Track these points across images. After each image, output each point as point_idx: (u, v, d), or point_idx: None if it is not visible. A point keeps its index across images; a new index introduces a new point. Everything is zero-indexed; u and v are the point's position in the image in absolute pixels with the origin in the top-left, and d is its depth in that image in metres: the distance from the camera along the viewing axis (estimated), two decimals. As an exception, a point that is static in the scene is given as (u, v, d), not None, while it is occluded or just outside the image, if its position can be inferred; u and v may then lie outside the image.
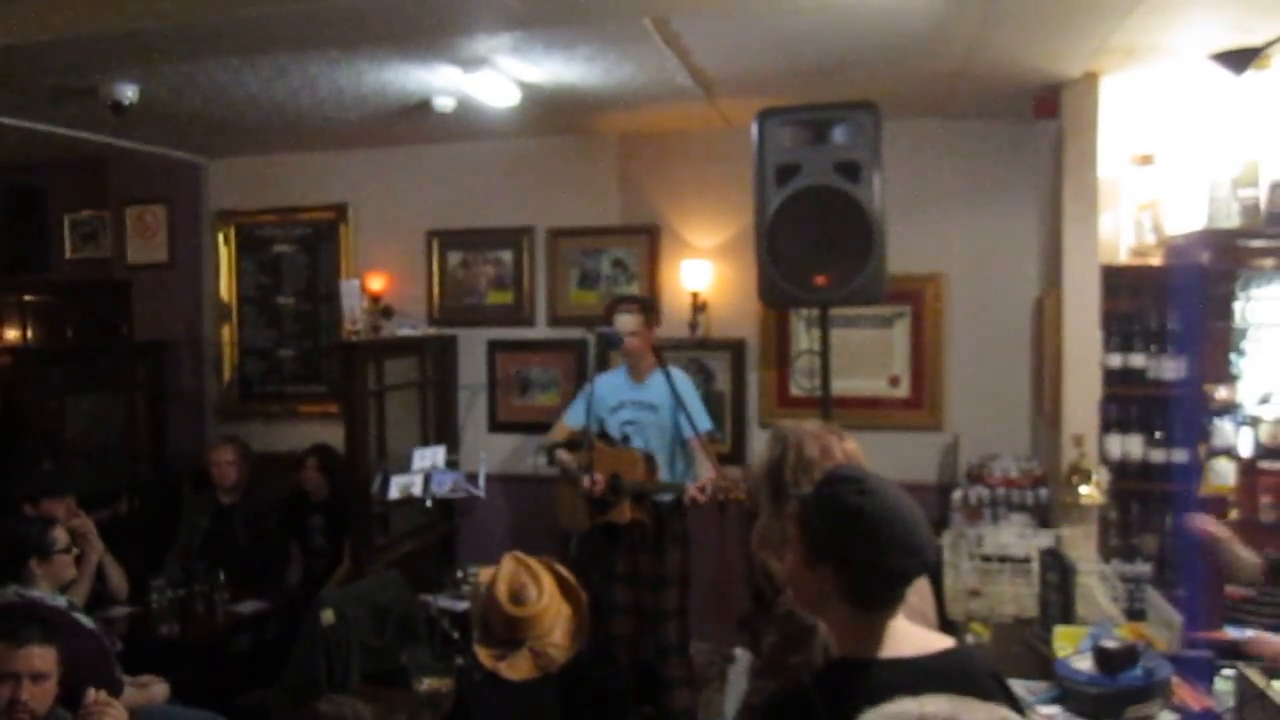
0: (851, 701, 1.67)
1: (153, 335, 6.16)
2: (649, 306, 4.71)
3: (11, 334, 6.49)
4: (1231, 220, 4.07)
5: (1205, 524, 3.72)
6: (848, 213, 3.80)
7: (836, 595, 1.81)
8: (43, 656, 2.79)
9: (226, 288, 6.15)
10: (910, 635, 1.84)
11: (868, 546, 1.78)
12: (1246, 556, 3.61)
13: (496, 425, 5.73)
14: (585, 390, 4.74)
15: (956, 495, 4.63)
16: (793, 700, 1.78)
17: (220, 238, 6.14)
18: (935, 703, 1.25)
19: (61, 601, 3.71)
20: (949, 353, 5.17)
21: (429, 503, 4.77)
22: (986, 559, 4.05)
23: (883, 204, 3.81)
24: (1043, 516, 4.48)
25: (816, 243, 3.86)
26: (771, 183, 3.84)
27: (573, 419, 4.75)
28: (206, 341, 6.21)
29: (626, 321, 4.56)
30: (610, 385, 4.70)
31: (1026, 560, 3.97)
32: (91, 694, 2.81)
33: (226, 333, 6.17)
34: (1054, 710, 2.57)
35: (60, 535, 3.76)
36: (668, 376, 4.54)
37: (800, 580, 1.87)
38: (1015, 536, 4.19)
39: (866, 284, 3.85)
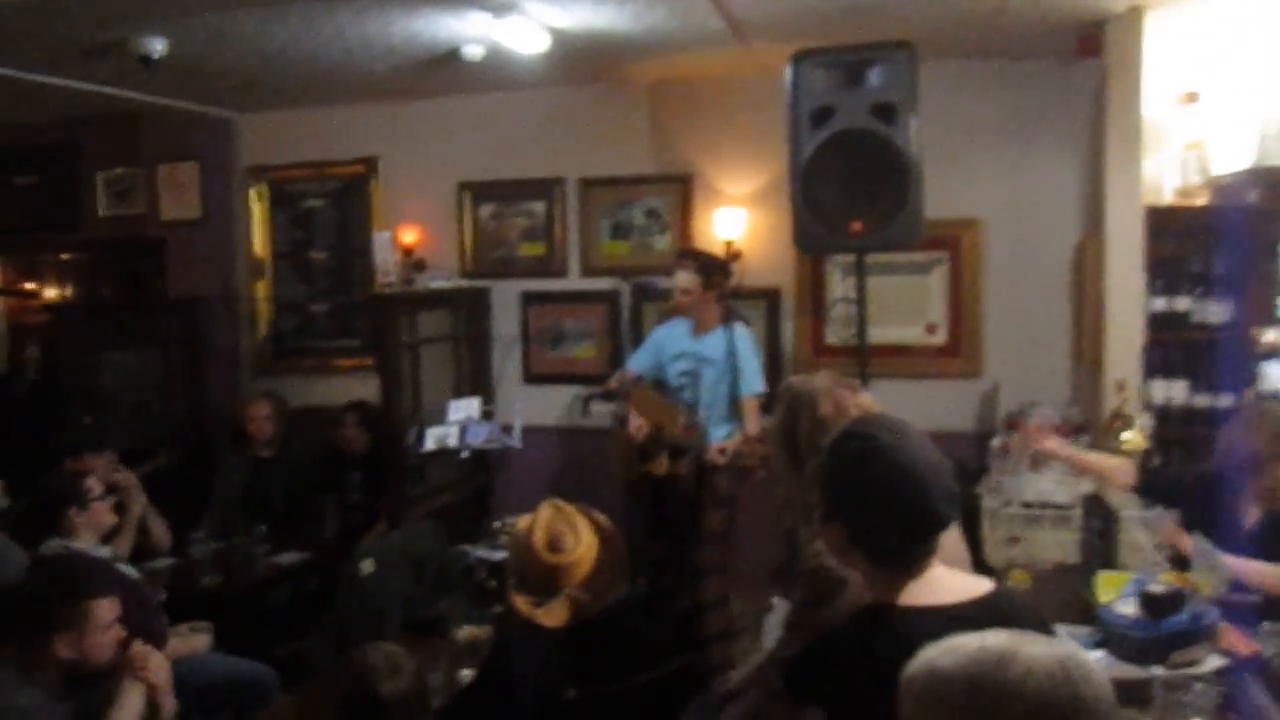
0: (884, 646, 1.66)
1: (187, 292, 6.19)
2: (710, 267, 4.54)
3: (49, 292, 6.57)
4: (1281, 159, 3.96)
5: (1044, 440, 3.54)
6: (884, 157, 3.73)
7: (854, 551, 1.79)
8: (110, 606, 2.83)
9: (259, 243, 6.16)
10: (949, 582, 1.81)
11: (874, 508, 1.76)
12: (1114, 464, 3.43)
13: (530, 377, 5.72)
14: (650, 338, 4.70)
15: (995, 443, 4.57)
16: (830, 643, 1.76)
17: (253, 193, 6.14)
18: (995, 636, 1.22)
19: (105, 552, 3.76)
20: (987, 299, 5.09)
21: (465, 454, 4.78)
22: (1026, 506, 4.01)
23: (919, 148, 3.74)
24: (1083, 464, 4.42)
25: (852, 188, 3.80)
26: (806, 127, 3.78)
27: (636, 364, 4.72)
28: (240, 297, 6.23)
29: (681, 278, 4.47)
30: (672, 334, 4.64)
31: (1067, 507, 3.93)
32: (135, 645, 2.85)
33: (260, 288, 6.18)
34: (1097, 655, 2.54)
35: (94, 484, 3.81)
36: (729, 332, 4.47)
37: (824, 534, 1.86)
38: (1055, 484, 4.14)
39: (903, 229, 3.79)
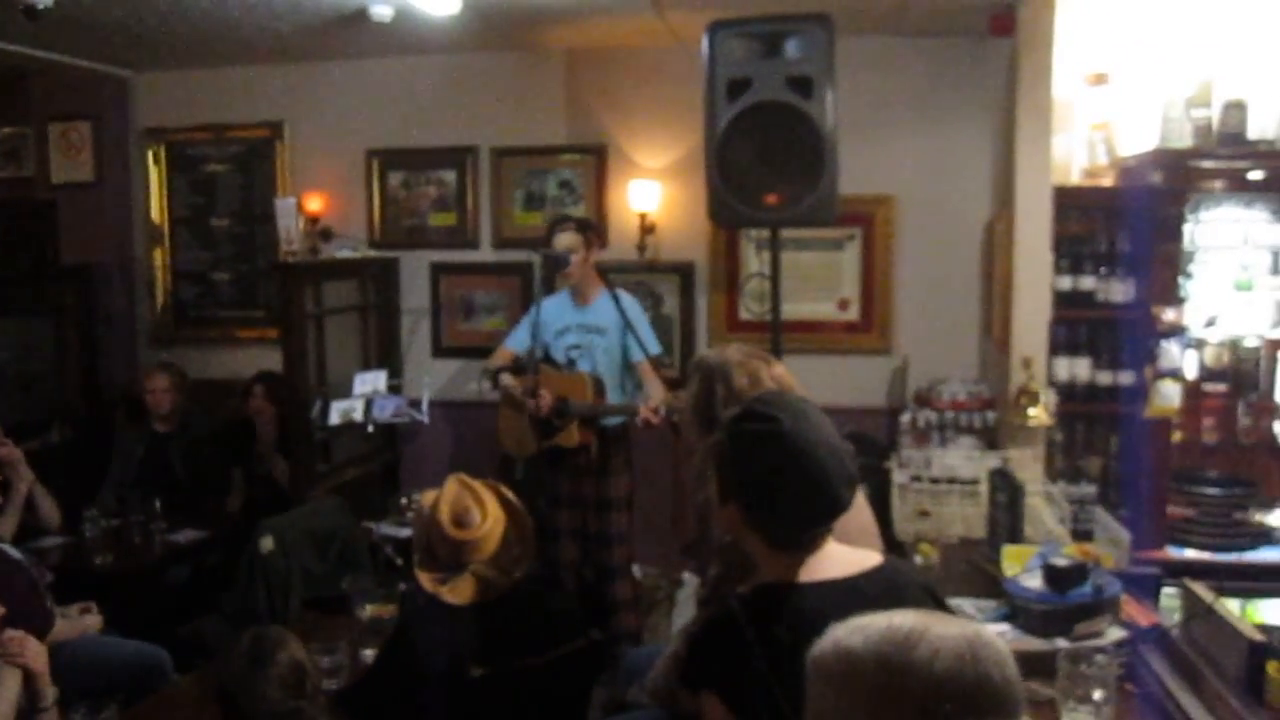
0: (779, 624, 1.65)
1: (80, 257, 5.91)
2: (587, 225, 4.55)
3: (-72, 258, 6.23)
4: (1184, 141, 4.03)
5: None
6: (800, 130, 3.70)
7: (750, 531, 1.78)
8: None
9: (157, 208, 5.92)
10: (838, 556, 1.82)
11: (773, 493, 1.75)
12: None
13: (440, 350, 5.61)
14: (529, 314, 4.63)
15: (905, 418, 4.62)
16: (721, 624, 1.75)
17: (150, 156, 5.89)
18: (903, 616, 1.22)
19: (-14, 531, 3.58)
20: (899, 276, 5.13)
21: (371, 428, 4.68)
22: (935, 481, 4.06)
23: (835, 122, 3.72)
24: (990, 439, 4.50)
25: (767, 161, 3.76)
26: (722, 98, 3.72)
27: (515, 343, 4.65)
28: (138, 264, 5.99)
29: (565, 240, 4.42)
30: (555, 309, 4.59)
31: (974, 482, 3.98)
32: (9, 631, 2.72)
33: (158, 256, 5.95)
34: (1003, 627, 2.57)
35: (-24, 465, 3.63)
36: (615, 299, 4.45)
37: (721, 514, 1.85)
38: (963, 459, 4.20)
39: (818, 204, 3.77)
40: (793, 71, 3.65)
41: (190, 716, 2.87)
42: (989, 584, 3.01)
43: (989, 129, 4.93)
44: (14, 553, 3.61)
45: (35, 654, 2.71)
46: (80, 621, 3.61)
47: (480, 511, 2.66)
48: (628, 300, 4.54)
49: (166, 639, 3.74)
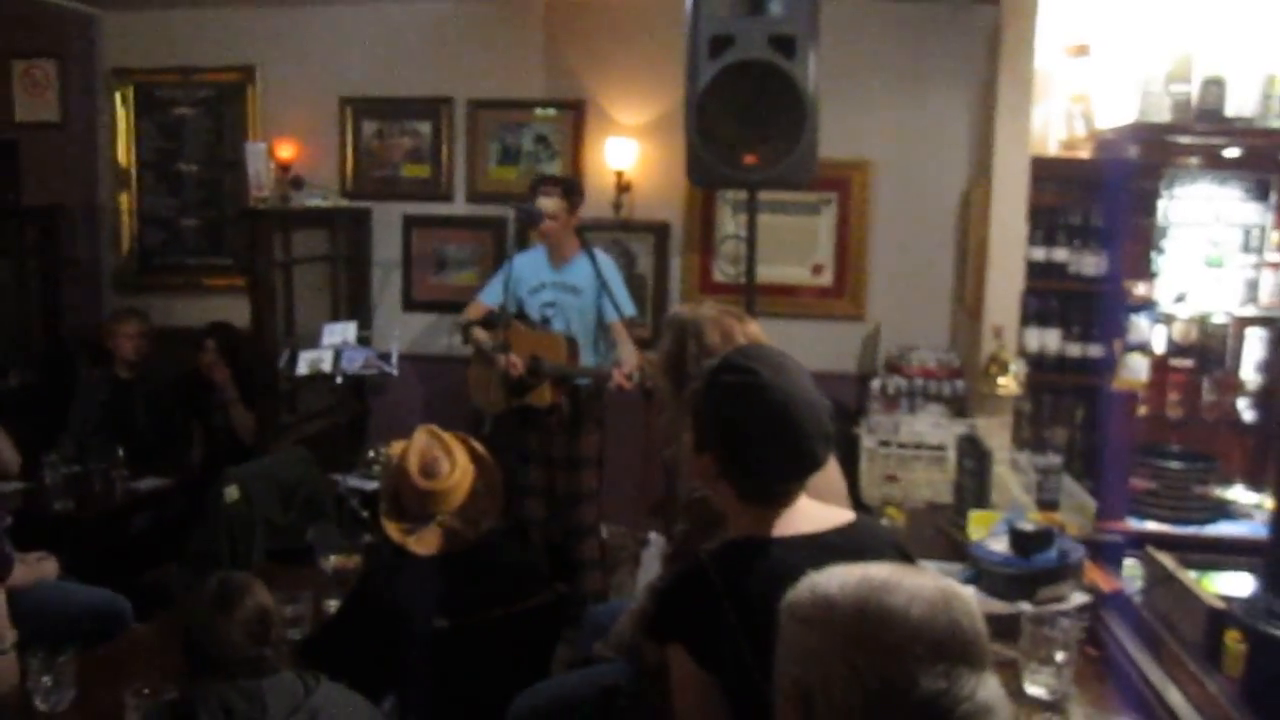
0: (749, 579, 1.65)
1: (44, 199, 5.79)
2: (572, 188, 4.51)
3: (-114, 195, 6.08)
4: (1162, 115, 4.03)
5: None
6: (781, 90, 3.66)
7: (723, 483, 1.78)
8: None
9: (123, 151, 5.79)
10: (809, 512, 1.82)
11: (748, 444, 1.74)
12: None
13: (411, 304, 5.55)
14: (503, 268, 4.59)
15: (875, 385, 4.63)
16: (692, 579, 1.74)
17: (117, 98, 5.75)
18: (878, 567, 1.25)
19: (-58, 473, 3.52)
20: (873, 242, 5.13)
21: (339, 380, 4.62)
22: (903, 446, 4.08)
23: (817, 83, 3.69)
24: (958, 408, 4.52)
25: (747, 120, 3.73)
26: (704, 54, 3.68)
27: (489, 297, 4.60)
28: (102, 208, 5.87)
29: (547, 204, 4.38)
30: (530, 265, 4.55)
31: (941, 448, 4.01)
32: None
33: (124, 200, 5.83)
34: (967, 590, 2.58)
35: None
36: (592, 259, 4.41)
37: (693, 461, 1.84)
38: (931, 425, 4.23)
39: (796, 166, 3.75)
40: (776, 30, 3.62)
41: (150, 662, 2.84)
42: (954, 548, 3.03)
43: (968, 97, 4.92)
44: (-29, 495, 3.56)
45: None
46: (38, 567, 3.55)
47: (449, 462, 2.64)
48: (604, 260, 4.50)
49: (127, 587, 3.69)
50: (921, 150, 5.02)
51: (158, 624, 3.39)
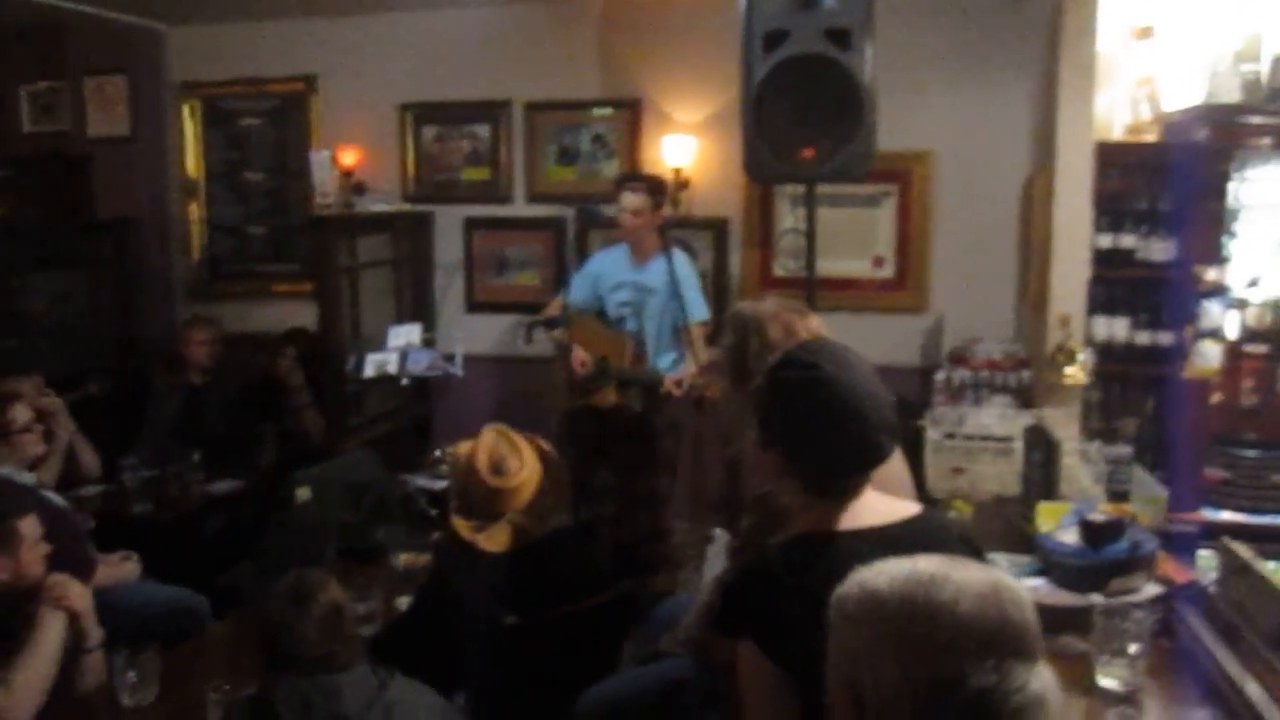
0: (816, 572, 1.65)
1: (116, 212, 5.96)
2: (656, 188, 4.49)
3: (-30, 211, 6.29)
4: (1232, 96, 3.95)
5: None
6: (837, 83, 3.65)
7: (787, 478, 1.78)
8: (32, 523, 2.77)
9: (192, 162, 5.95)
10: (875, 505, 1.82)
11: (813, 439, 1.74)
12: None
13: (473, 305, 5.62)
14: (586, 268, 4.60)
15: (939, 377, 4.59)
16: (758, 573, 1.75)
17: (185, 110, 5.91)
18: (927, 560, 1.24)
19: (29, 479, 3.64)
20: (935, 234, 5.07)
21: (404, 381, 4.69)
22: (968, 439, 4.04)
23: (874, 74, 3.67)
24: (1025, 399, 4.46)
25: (804, 115, 3.71)
26: (758, 50, 3.68)
27: (573, 296, 4.62)
28: (173, 219, 6.02)
29: (632, 200, 4.38)
30: (611, 263, 4.56)
31: (1008, 440, 3.96)
32: (53, 575, 2.78)
33: (193, 210, 5.98)
34: (1037, 583, 2.56)
35: (19, 414, 3.68)
36: (669, 259, 4.39)
37: (758, 459, 1.85)
38: (997, 417, 4.18)
39: (855, 158, 3.73)
40: (831, 23, 3.60)
41: (227, 659, 2.92)
42: (1023, 540, 2.99)
43: (1030, 84, 4.84)
44: (57, 499, 3.68)
45: (78, 596, 2.77)
46: (120, 568, 3.67)
47: (517, 461, 2.68)
48: (680, 260, 4.46)
49: (203, 587, 3.79)
50: (983, 139, 4.95)
51: (234, 622, 3.47)
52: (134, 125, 5.95)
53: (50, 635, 2.68)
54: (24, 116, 6.15)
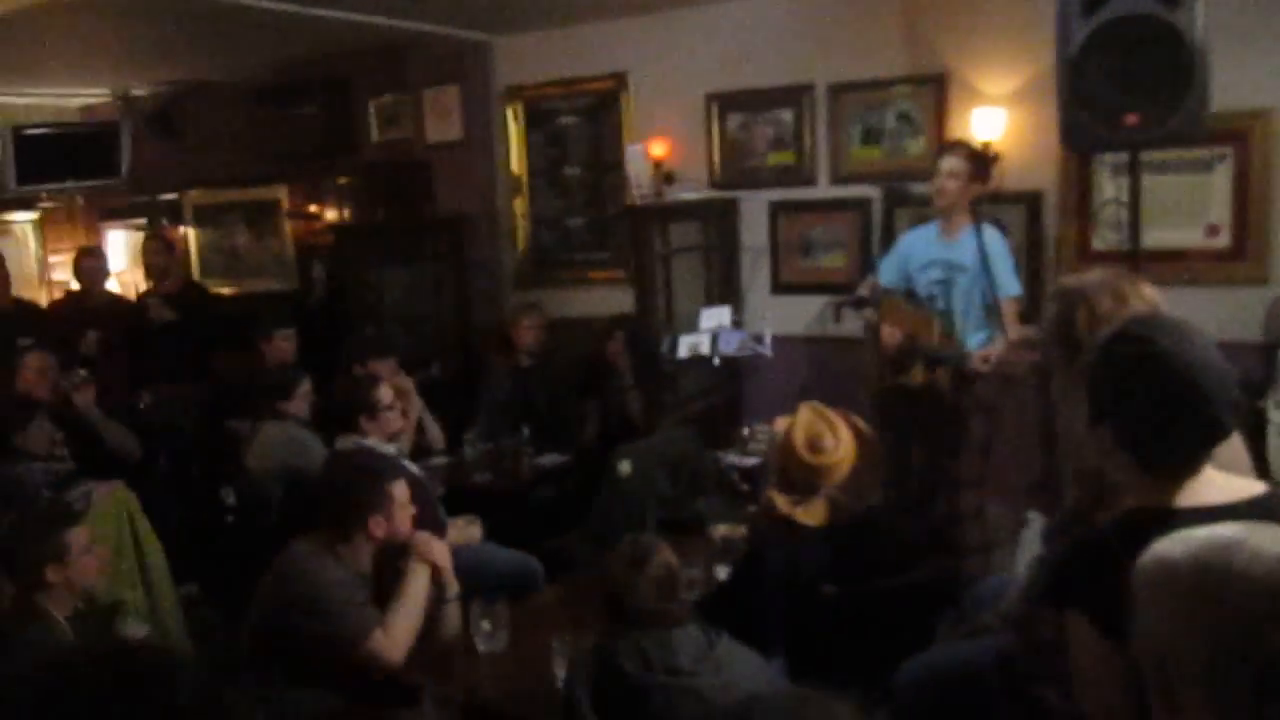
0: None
1: (452, 210, 6.54)
2: (978, 156, 4.40)
3: (329, 214, 7.10)
4: None
5: None
6: (1164, 43, 3.46)
7: (1121, 454, 1.74)
8: (403, 488, 3.15)
9: (517, 161, 6.41)
10: (1217, 482, 1.75)
11: (1149, 414, 1.69)
12: None
13: (779, 287, 5.71)
14: (896, 246, 4.60)
15: (1285, 353, 4.24)
16: (1093, 546, 1.73)
17: (509, 113, 6.37)
18: (1228, 527, 1.23)
19: (391, 449, 4.10)
20: (1277, 199, 4.65)
21: (716, 362, 4.87)
22: (1321, 420, 3.71)
23: (1205, 32, 3.44)
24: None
25: (1127, 79, 3.55)
26: (1077, 14, 3.55)
27: (883, 275, 4.63)
28: (501, 214, 6.52)
29: (950, 163, 4.31)
30: (920, 241, 4.53)
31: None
32: (419, 533, 3.15)
33: (519, 205, 6.44)
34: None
35: (385, 394, 4.12)
36: (979, 233, 4.29)
37: (1088, 435, 1.82)
38: (1356, 396, 3.81)
39: (1184, 122, 3.52)
40: (1158, -21, 3.41)
41: (564, 616, 3.19)
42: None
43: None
44: (414, 468, 4.12)
45: (440, 552, 3.13)
46: (466, 530, 4.07)
47: (833, 438, 2.76)
48: (991, 235, 4.35)
49: (535, 551, 4.12)
50: (1336, 91, 4.49)
51: (565, 586, 3.78)
52: (466, 130, 6.47)
53: (418, 585, 3.04)
54: (373, 128, 6.84)
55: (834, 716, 1.19)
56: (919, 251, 4.48)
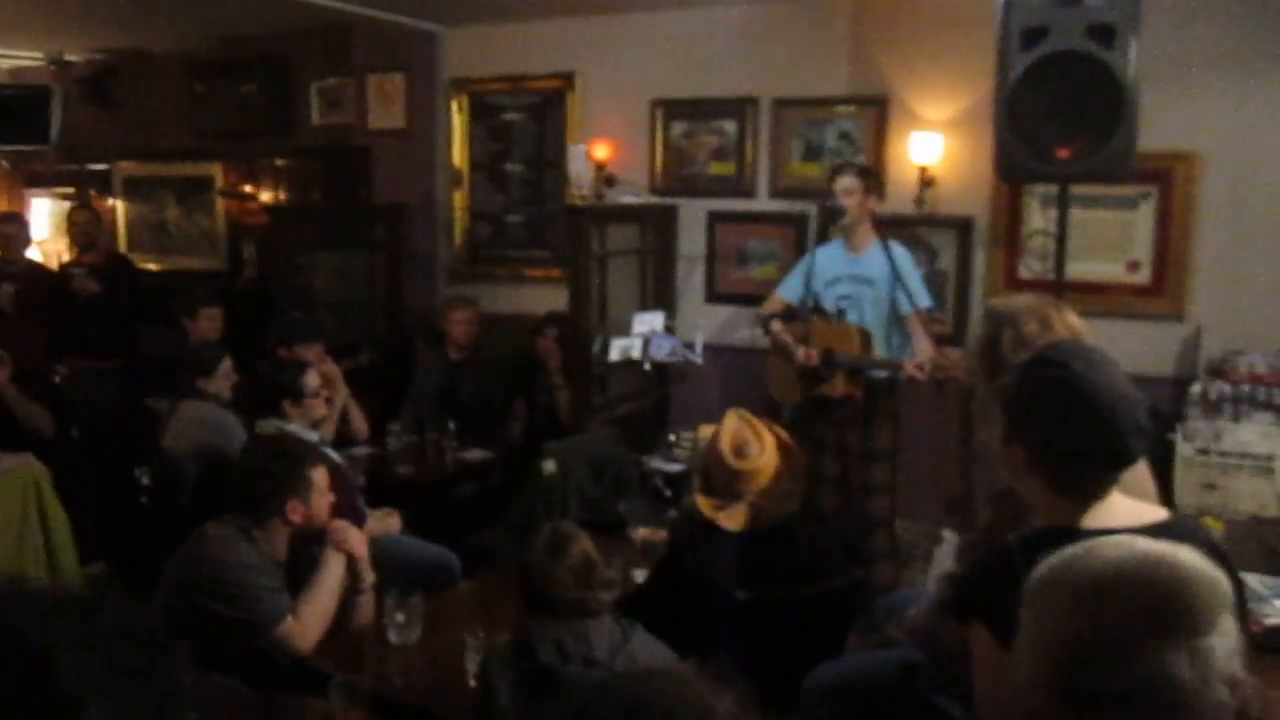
0: None
1: (390, 198, 6.48)
2: (869, 173, 4.57)
3: (266, 195, 7.00)
4: None
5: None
6: (1098, 80, 3.57)
7: (1032, 475, 1.79)
8: (323, 474, 3.12)
9: (459, 154, 6.37)
10: (1121, 508, 1.81)
11: (1060, 437, 1.75)
12: None
13: (713, 296, 5.77)
14: (803, 262, 4.70)
15: (1195, 389, 4.38)
16: (998, 559, 1.78)
17: (454, 105, 6.34)
18: (1092, 542, 1.30)
19: (314, 436, 4.05)
20: (1198, 239, 4.81)
21: (647, 366, 4.89)
22: (1224, 455, 3.85)
23: (1137, 73, 3.55)
24: (1291, 416, 4.19)
25: (1061, 113, 3.65)
26: (1016, 47, 3.64)
27: (788, 291, 4.72)
28: (439, 206, 6.48)
29: (844, 183, 4.45)
30: (827, 258, 4.63)
31: (1270, 459, 3.76)
32: (335, 521, 3.12)
33: (458, 198, 6.41)
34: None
35: (311, 380, 4.06)
36: (887, 250, 4.44)
37: (1004, 454, 1.87)
38: (1258, 434, 3.96)
39: (1113, 159, 3.63)
40: (1094, 19, 3.53)
41: (479, 612, 3.18)
42: (1278, 562, 2.86)
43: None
44: (335, 456, 4.07)
45: (357, 541, 3.10)
46: (385, 521, 4.02)
47: (758, 445, 2.80)
48: (899, 251, 4.51)
49: (454, 546, 4.09)
50: (1255, 140, 4.65)
51: (482, 581, 3.77)
52: (409, 119, 6.42)
53: (333, 573, 3.01)
54: (314, 110, 6.76)
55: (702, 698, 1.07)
56: (826, 268, 4.58)
